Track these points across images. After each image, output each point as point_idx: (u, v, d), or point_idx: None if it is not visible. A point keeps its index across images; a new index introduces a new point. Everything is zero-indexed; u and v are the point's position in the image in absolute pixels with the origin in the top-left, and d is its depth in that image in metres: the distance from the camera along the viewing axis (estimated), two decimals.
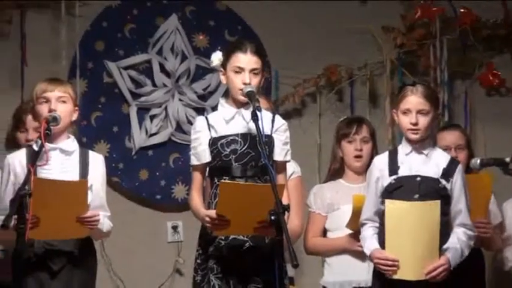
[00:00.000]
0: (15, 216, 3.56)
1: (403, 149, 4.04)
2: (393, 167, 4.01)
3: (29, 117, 4.28)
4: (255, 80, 3.84)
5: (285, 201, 3.66)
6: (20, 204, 3.53)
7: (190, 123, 5.54)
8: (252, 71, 3.84)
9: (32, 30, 5.38)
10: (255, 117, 3.71)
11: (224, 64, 3.88)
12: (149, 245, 5.48)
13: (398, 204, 3.92)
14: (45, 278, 3.82)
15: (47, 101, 3.89)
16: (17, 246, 3.65)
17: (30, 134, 4.32)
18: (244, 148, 3.82)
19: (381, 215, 4.00)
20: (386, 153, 4.10)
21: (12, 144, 4.39)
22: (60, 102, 3.89)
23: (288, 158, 3.92)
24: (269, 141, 3.84)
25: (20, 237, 3.56)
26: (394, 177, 3.99)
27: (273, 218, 3.55)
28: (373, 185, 4.04)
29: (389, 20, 5.78)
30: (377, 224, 4.03)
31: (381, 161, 4.07)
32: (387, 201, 3.93)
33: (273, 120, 3.90)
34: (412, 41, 5.76)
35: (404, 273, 3.90)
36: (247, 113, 3.81)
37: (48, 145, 3.81)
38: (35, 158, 3.74)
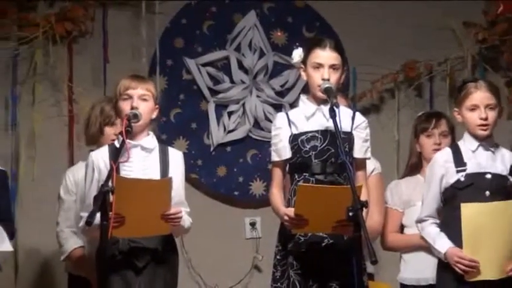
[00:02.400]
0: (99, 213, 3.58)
1: (468, 145, 4.00)
2: (460, 164, 3.97)
3: None
4: (335, 76, 3.84)
5: (363, 197, 3.65)
6: (103, 200, 3.55)
7: (268, 119, 5.56)
8: (331, 66, 3.83)
9: (113, 27, 5.44)
10: (332, 114, 3.70)
11: (304, 60, 3.89)
12: (227, 242, 5.50)
13: (475, 206, 3.88)
14: (130, 275, 3.84)
15: (129, 98, 3.92)
16: (101, 243, 3.67)
17: (119, 128, 4.37)
18: (324, 145, 3.81)
19: (440, 212, 3.99)
20: (448, 150, 4.06)
21: (95, 140, 4.42)
22: (141, 100, 3.91)
23: (368, 155, 3.91)
24: (349, 138, 3.84)
25: (104, 233, 3.58)
26: (462, 174, 3.95)
27: (351, 214, 3.54)
28: (436, 182, 4.00)
29: (470, 16, 5.72)
30: (438, 221, 4.01)
31: (444, 157, 4.02)
32: (463, 205, 3.88)
33: (353, 117, 3.89)
34: (494, 36, 5.70)
35: (485, 274, 3.86)
36: (327, 110, 3.80)
37: (129, 142, 3.83)
38: (116, 155, 3.77)
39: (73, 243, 4.42)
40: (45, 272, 5.20)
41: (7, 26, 5.27)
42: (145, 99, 3.93)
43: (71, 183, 4.47)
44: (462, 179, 3.94)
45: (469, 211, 3.86)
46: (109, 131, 4.39)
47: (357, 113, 3.94)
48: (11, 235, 4.33)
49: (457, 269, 3.88)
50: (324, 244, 3.75)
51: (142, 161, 3.92)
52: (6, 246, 4.22)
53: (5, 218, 4.27)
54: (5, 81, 5.30)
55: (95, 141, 4.42)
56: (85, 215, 3.78)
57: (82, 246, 4.40)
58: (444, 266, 3.95)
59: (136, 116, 3.85)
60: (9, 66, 5.30)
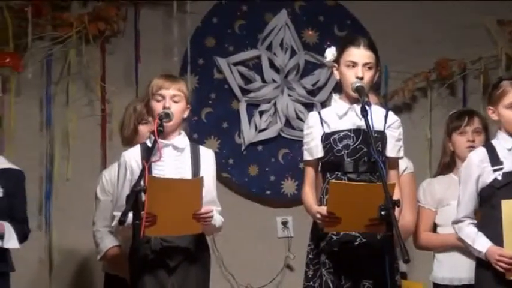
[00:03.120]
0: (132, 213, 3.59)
1: (503, 143, 3.97)
2: (496, 163, 3.94)
3: None
4: (368, 75, 3.82)
5: (396, 197, 3.63)
6: (136, 200, 3.56)
7: (299, 118, 5.56)
8: (365, 65, 3.82)
9: (145, 27, 5.46)
10: (364, 113, 3.69)
11: (337, 59, 3.87)
12: (259, 241, 5.50)
13: None
14: (163, 274, 3.84)
15: (162, 98, 3.91)
16: (133, 242, 3.68)
17: (153, 126, 4.34)
18: (356, 143, 3.80)
19: (476, 212, 3.97)
20: (483, 149, 4.02)
21: (131, 139, 4.41)
22: (173, 101, 3.91)
23: (401, 154, 3.90)
24: (381, 137, 3.82)
25: (136, 233, 3.59)
26: (499, 173, 3.92)
27: (383, 213, 3.53)
28: (472, 183, 3.96)
29: (504, 14, 5.69)
30: (475, 221, 3.98)
31: (479, 157, 3.98)
32: (503, 201, 3.84)
33: (386, 116, 3.87)
34: None
35: None
36: (359, 109, 3.78)
37: (161, 141, 3.83)
38: (149, 154, 3.76)
39: (109, 242, 4.42)
40: (81, 271, 5.22)
41: (42, 26, 5.31)
42: (177, 100, 3.92)
43: (107, 183, 4.48)
44: (499, 178, 3.92)
45: (510, 208, 3.83)
46: (143, 129, 4.39)
47: (390, 112, 3.92)
48: (23, 236, 4.33)
49: (498, 267, 3.85)
50: (356, 243, 3.74)
51: (174, 160, 3.92)
52: (13, 243, 4.25)
53: (18, 218, 4.29)
54: (39, 81, 5.34)
55: (131, 141, 4.42)
56: (118, 214, 3.79)
57: (118, 245, 4.40)
58: (483, 265, 3.92)
59: (168, 116, 3.85)
60: (44, 66, 5.35)
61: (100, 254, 4.46)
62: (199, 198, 3.76)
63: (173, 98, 3.91)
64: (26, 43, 5.24)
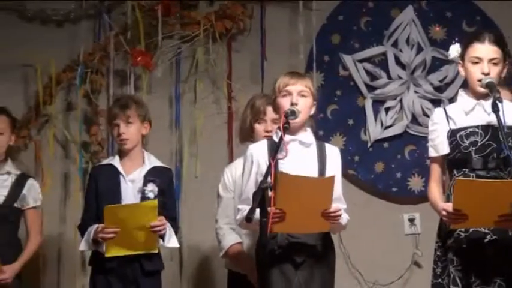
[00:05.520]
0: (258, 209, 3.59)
1: None
2: None
3: (269, 108, 4.31)
4: (495, 70, 3.77)
5: None
6: (262, 197, 3.57)
7: (426, 115, 5.49)
8: (490, 60, 3.77)
9: (271, 24, 5.51)
10: (495, 109, 3.63)
11: (462, 55, 3.84)
12: (386, 238, 5.46)
13: None
14: (289, 269, 3.85)
15: (289, 94, 3.93)
16: (261, 239, 3.71)
17: (268, 125, 4.38)
18: (485, 140, 3.75)
19: None
20: None
21: (248, 136, 4.46)
22: (300, 96, 3.93)
23: None
24: None
25: (263, 229, 3.60)
26: None
27: None
28: None
29: None
30: None
31: None
32: None
33: None
34: None
35: None
36: (487, 105, 3.74)
37: (287, 137, 3.84)
38: (275, 151, 3.77)
39: (231, 239, 4.43)
40: (207, 268, 5.28)
41: (171, 25, 5.43)
42: (304, 95, 3.94)
43: (229, 181, 4.50)
44: None
45: None
46: (258, 128, 4.40)
47: None
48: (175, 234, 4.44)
49: None
50: (486, 240, 3.69)
51: (300, 155, 3.92)
52: (174, 242, 4.35)
53: (171, 217, 4.37)
54: (169, 79, 5.46)
55: (247, 138, 4.46)
56: (242, 207, 3.87)
57: (240, 242, 4.41)
58: None
59: (293, 113, 3.87)
60: (173, 64, 5.46)
61: (222, 251, 4.47)
62: (330, 196, 3.76)
63: (300, 93, 3.92)
64: (156, 42, 5.36)
